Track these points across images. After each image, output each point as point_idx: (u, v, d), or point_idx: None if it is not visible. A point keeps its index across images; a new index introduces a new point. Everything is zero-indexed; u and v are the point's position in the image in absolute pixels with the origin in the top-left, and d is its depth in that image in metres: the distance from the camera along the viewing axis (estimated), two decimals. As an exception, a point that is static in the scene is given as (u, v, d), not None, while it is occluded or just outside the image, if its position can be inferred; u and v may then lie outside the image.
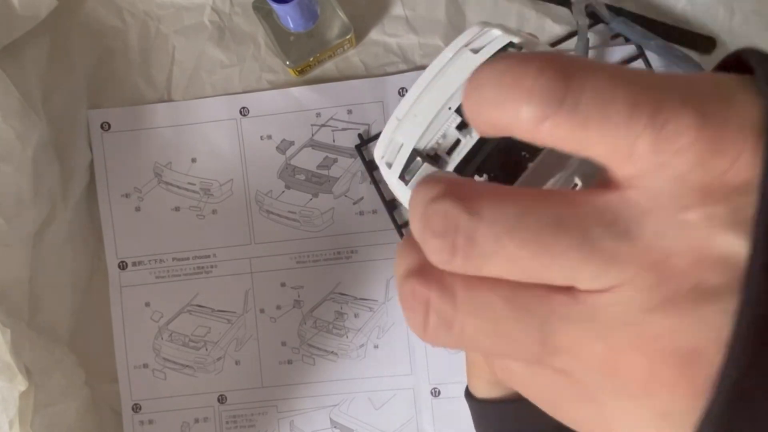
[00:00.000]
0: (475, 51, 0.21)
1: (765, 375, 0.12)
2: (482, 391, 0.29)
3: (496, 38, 0.21)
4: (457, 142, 0.20)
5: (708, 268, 0.12)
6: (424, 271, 0.14)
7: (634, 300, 0.13)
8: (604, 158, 0.13)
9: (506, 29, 0.21)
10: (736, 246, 0.12)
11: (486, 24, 0.22)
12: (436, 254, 0.14)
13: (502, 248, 0.13)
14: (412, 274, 0.14)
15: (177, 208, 0.49)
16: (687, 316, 0.12)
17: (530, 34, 0.22)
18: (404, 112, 0.22)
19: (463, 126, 0.20)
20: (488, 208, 0.13)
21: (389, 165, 0.22)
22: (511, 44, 0.21)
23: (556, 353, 0.13)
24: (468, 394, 0.30)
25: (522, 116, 0.13)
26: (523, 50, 0.21)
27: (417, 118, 0.21)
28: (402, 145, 0.21)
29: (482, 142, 0.20)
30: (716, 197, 0.12)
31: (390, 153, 0.22)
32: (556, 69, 0.13)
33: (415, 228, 0.14)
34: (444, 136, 0.20)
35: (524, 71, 0.13)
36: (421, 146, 0.21)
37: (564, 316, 0.13)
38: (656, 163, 0.12)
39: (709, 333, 0.12)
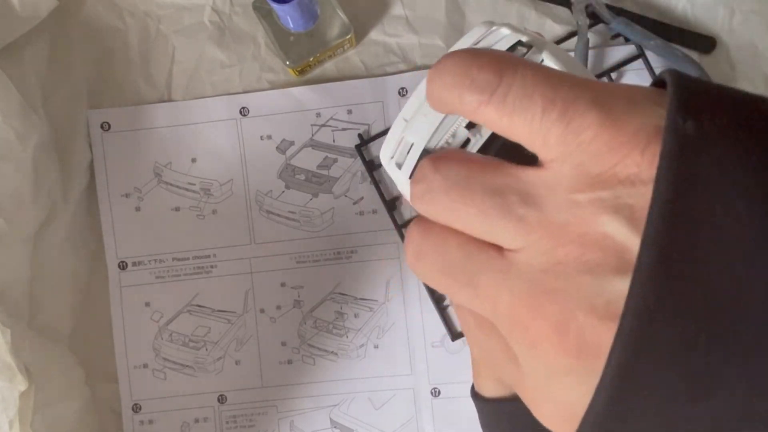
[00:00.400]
0: None
1: (650, 359, 0.13)
2: (489, 390, 0.29)
3: (505, 37, 0.21)
4: (467, 141, 0.20)
5: (590, 243, 0.14)
6: (420, 218, 0.18)
7: (534, 260, 0.15)
8: (525, 143, 0.16)
9: (514, 28, 0.21)
10: (614, 228, 0.14)
11: (492, 23, 0.22)
12: (413, 199, 0.18)
13: (449, 199, 0.16)
14: (416, 218, 0.18)
15: (177, 208, 0.49)
16: (567, 280, 0.15)
17: (537, 33, 0.22)
18: (412, 113, 0.22)
19: (472, 125, 0.20)
20: (447, 168, 0.17)
21: (399, 165, 0.22)
22: (519, 43, 0.21)
23: (482, 298, 0.16)
24: (474, 394, 0.30)
25: (464, 100, 0.16)
26: (533, 49, 0.21)
27: (427, 117, 0.21)
28: (412, 144, 0.21)
29: (491, 140, 0.20)
30: (604, 185, 0.14)
31: (400, 153, 0.22)
32: (494, 67, 0.16)
33: None
34: (453, 135, 0.21)
35: (471, 65, 0.16)
36: (432, 146, 0.21)
37: (489, 266, 0.16)
38: (564, 151, 0.15)
39: (582, 299, 0.14)
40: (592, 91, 0.15)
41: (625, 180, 0.14)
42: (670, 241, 0.13)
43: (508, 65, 0.16)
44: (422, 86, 0.23)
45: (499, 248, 0.16)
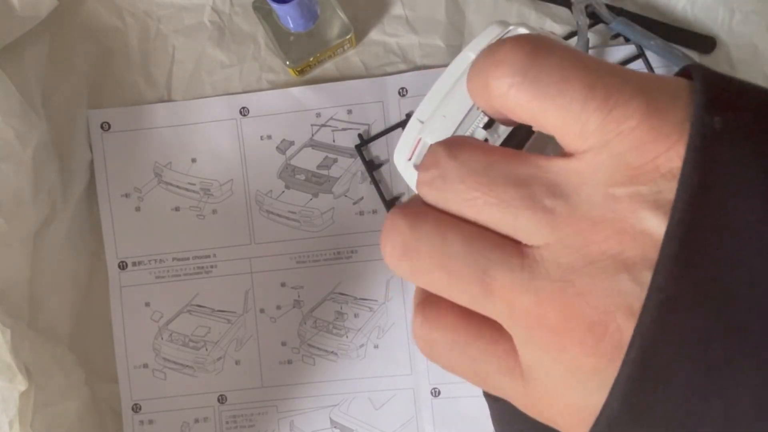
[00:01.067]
0: None
1: (669, 351, 0.13)
2: None
3: None
4: (485, 141, 0.21)
5: (628, 240, 0.14)
6: (406, 207, 0.17)
7: (563, 257, 0.14)
8: (556, 130, 0.15)
9: (530, 28, 0.21)
10: (654, 225, 0.13)
11: (507, 23, 0.22)
12: (419, 185, 0.16)
13: (464, 187, 0.15)
14: (398, 207, 0.17)
15: (177, 208, 0.49)
16: (604, 280, 0.14)
17: (552, 33, 0.22)
18: (429, 114, 0.22)
19: (489, 125, 0.20)
20: (464, 155, 0.16)
21: (417, 167, 0.22)
22: None
23: (492, 297, 0.15)
24: (487, 394, 0.30)
25: (492, 84, 0.15)
26: None
27: (446, 118, 0.21)
28: (430, 146, 0.21)
29: (508, 141, 0.20)
30: (645, 179, 0.14)
31: (418, 154, 0.22)
32: (526, 46, 0.15)
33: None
34: (471, 135, 0.21)
35: (501, 46, 0.15)
36: None
37: (506, 263, 0.15)
38: (601, 141, 0.14)
39: (620, 299, 0.13)
40: (635, 79, 0.14)
41: (668, 173, 0.13)
42: (693, 234, 0.13)
43: (542, 45, 0.15)
44: (436, 87, 0.23)
45: (515, 243, 0.15)
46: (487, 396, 0.30)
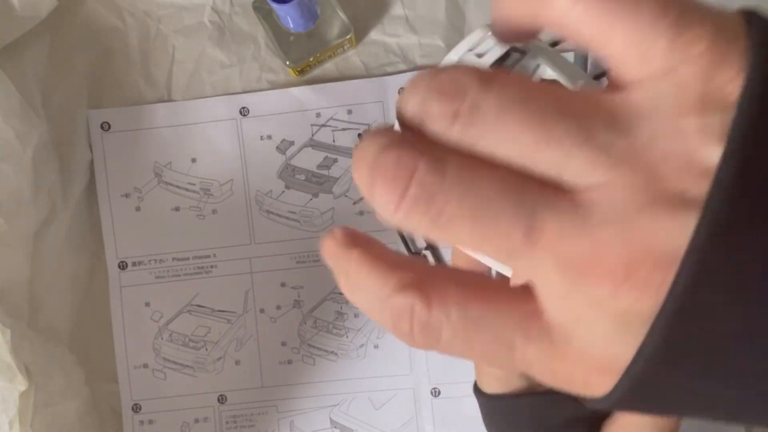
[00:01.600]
0: (480, 55, 0.21)
1: (717, 287, 0.12)
2: (491, 386, 0.29)
3: (498, 42, 0.21)
4: None
5: (694, 177, 0.12)
6: (409, 141, 0.14)
7: (624, 198, 0.13)
8: (619, 54, 0.13)
9: None
10: None
11: (489, 27, 0.22)
12: (437, 119, 0.13)
13: (504, 121, 0.13)
14: (395, 144, 0.14)
15: (177, 208, 0.49)
16: (670, 220, 0.12)
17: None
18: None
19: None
20: (500, 83, 0.13)
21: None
22: (513, 48, 0.20)
23: (535, 247, 0.13)
24: (477, 390, 0.30)
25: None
26: (528, 54, 0.20)
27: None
28: (444, 72, 0.21)
29: None
30: (713, 109, 0.13)
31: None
32: None
33: (419, 90, 0.14)
34: None
35: None
36: None
37: (555, 207, 0.13)
38: (666, 66, 0.13)
39: (686, 240, 0.12)
40: (702, 5, 0.13)
41: (736, 103, 0.12)
42: (750, 157, 0.12)
43: None
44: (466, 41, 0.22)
45: (557, 184, 0.13)
46: (477, 392, 0.31)
